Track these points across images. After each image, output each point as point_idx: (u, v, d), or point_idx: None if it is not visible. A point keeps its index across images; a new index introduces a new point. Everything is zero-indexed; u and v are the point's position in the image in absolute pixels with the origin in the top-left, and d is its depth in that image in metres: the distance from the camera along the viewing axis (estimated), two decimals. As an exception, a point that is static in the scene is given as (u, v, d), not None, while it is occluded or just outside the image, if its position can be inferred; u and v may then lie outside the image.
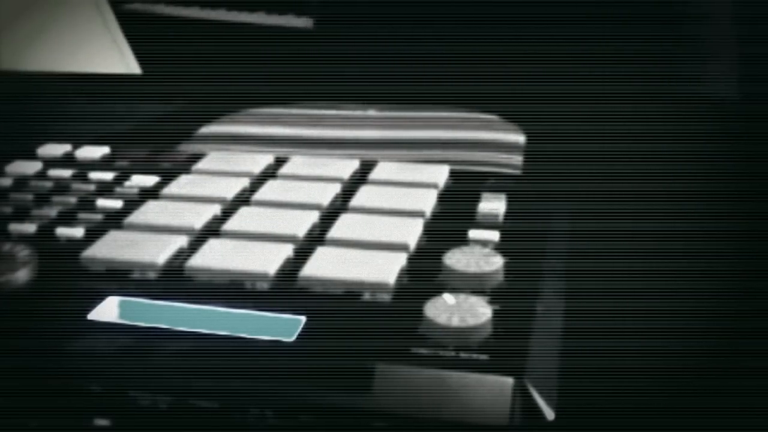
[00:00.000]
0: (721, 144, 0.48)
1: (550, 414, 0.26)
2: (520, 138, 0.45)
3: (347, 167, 0.41)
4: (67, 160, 0.44)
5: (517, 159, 0.43)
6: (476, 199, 0.37)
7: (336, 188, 0.39)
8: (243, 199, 0.38)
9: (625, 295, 0.33)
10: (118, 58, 0.58)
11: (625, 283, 0.33)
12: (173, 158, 0.43)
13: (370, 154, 0.43)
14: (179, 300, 0.30)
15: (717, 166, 0.45)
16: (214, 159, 0.43)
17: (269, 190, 0.39)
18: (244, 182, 0.40)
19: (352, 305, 0.30)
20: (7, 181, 0.41)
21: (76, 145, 0.45)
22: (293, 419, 0.26)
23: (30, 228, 0.36)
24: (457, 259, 0.32)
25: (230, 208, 0.37)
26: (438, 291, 0.30)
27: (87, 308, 0.30)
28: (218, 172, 0.41)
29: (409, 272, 0.32)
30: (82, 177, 0.42)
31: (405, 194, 0.38)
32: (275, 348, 0.28)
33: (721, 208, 0.41)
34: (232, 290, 0.31)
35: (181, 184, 0.40)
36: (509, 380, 0.26)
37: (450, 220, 0.36)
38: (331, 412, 0.26)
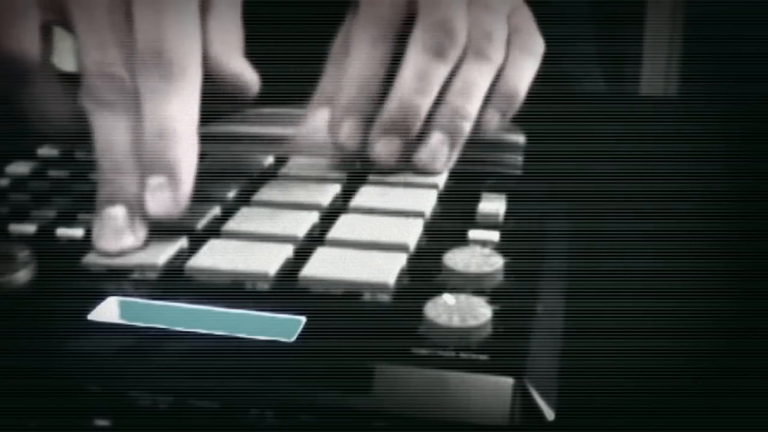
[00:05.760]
0: (721, 144, 0.48)
1: (550, 414, 0.26)
2: (520, 138, 0.45)
3: (347, 167, 0.41)
4: (67, 160, 0.44)
5: (517, 159, 0.43)
6: (476, 200, 0.37)
7: (336, 188, 0.39)
8: (243, 199, 0.38)
9: (625, 295, 0.33)
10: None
11: (625, 283, 0.33)
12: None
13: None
14: (179, 300, 0.30)
15: (717, 166, 0.45)
16: (214, 159, 0.43)
17: (269, 190, 0.39)
18: (245, 182, 0.40)
19: (352, 305, 0.30)
20: (6, 182, 0.41)
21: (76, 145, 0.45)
22: (293, 419, 0.26)
23: (30, 228, 0.36)
24: (457, 260, 0.32)
25: (230, 208, 0.37)
26: (438, 291, 0.30)
27: (87, 308, 0.30)
28: (218, 172, 0.41)
29: (409, 272, 0.32)
30: (81, 177, 0.42)
31: (405, 194, 0.38)
32: (275, 348, 0.28)
33: (721, 208, 0.41)
34: (233, 290, 0.31)
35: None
36: (509, 380, 0.26)
37: (450, 221, 0.36)
38: (331, 412, 0.26)
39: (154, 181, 0.33)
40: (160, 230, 0.35)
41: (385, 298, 0.30)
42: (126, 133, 0.34)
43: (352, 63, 0.40)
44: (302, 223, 0.35)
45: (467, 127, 0.40)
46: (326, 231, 0.35)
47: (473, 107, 0.40)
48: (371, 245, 0.33)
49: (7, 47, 0.35)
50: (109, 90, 0.34)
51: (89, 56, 0.34)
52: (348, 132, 0.39)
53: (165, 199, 0.33)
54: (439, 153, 0.40)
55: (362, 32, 0.40)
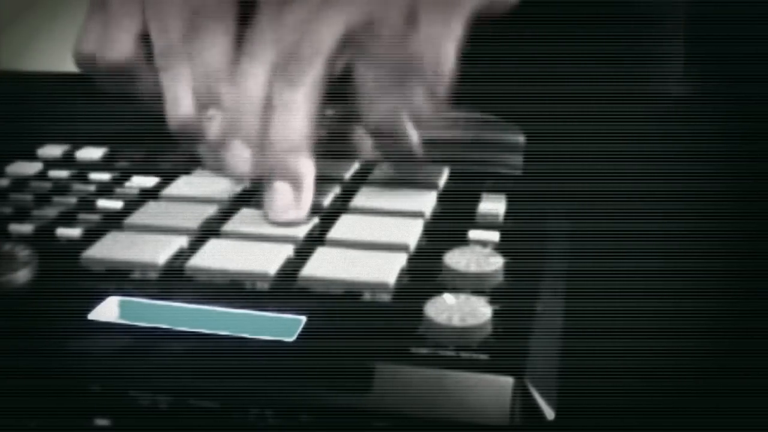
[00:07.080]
0: (721, 144, 0.48)
1: (550, 414, 0.26)
2: (519, 138, 0.45)
3: (347, 167, 0.41)
4: (67, 161, 0.44)
5: (517, 159, 0.43)
6: (476, 200, 0.38)
7: (336, 188, 0.39)
8: (243, 199, 0.38)
9: (625, 295, 0.33)
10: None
11: (625, 283, 0.33)
12: (173, 158, 0.43)
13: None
14: (180, 300, 0.30)
15: (717, 166, 0.45)
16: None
17: (269, 191, 0.39)
18: (245, 183, 0.40)
19: (353, 305, 0.30)
20: (7, 182, 0.41)
21: (76, 145, 0.45)
22: (293, 419, 0.26)
23: (30, 228, 0.36)
24: (457, 260, 0.32)
25: (230, 208, 0.37)
26: (438, 291, 0.30)
27: (87, 308, 0.30)
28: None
29: (409, 272, 0.32)
30: (82, 177, 0.42)
31: (405, 194, 0.38)
32: (275, 348, 0.28)
33: (721, 208, 0.41)
34: (233, 290, 0.31)
35: (181, 185, 0.40)
36: (509, 380, 0.26)
37: (450, 221, 0.36)
38: (331, 412, 0.26)
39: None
40: (160, 230, 0.35)
41: (385, 297, 0.30)
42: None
43: (237, 82, 0.37)
44: (302, 223, 0.35)
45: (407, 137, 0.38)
46: (326, 231, 0.35)
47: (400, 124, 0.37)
48: (371, 245, 0.33)
49: (111, 58, 0.39)
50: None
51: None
52: (237, 157, 0.37)
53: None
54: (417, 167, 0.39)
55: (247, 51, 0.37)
